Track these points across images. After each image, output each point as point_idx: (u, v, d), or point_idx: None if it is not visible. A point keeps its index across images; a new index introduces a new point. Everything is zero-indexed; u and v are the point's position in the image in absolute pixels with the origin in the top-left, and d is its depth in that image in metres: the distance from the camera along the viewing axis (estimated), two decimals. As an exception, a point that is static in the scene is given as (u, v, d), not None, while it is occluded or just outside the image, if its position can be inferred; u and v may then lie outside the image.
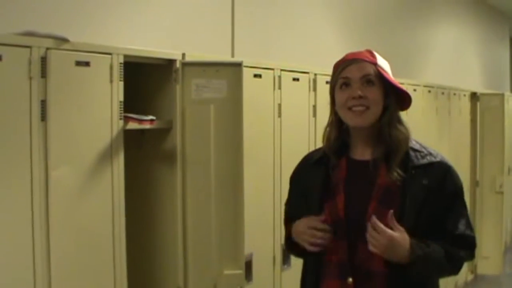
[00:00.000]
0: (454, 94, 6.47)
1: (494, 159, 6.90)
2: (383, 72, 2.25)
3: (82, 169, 2.56)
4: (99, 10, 3.19)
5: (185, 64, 2.97)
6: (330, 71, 2.29)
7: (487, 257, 6.95)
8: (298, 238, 2.32)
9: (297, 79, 3.77)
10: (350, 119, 2.25)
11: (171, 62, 2.99)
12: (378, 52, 2.34)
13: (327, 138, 2.33)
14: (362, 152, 2.29)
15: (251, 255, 3.35)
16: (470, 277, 7.09)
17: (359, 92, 2.20)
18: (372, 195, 2.21)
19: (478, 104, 7.02)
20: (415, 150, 2.27)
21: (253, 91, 3.27)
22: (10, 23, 2.61)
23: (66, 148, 2.48)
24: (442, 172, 2.25)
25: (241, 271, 2.99)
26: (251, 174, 3.09)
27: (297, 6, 4.78)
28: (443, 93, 6.16)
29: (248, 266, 3.30)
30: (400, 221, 2.15)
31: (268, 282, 3.54)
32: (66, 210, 2.47)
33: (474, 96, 7.02)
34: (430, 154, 2.28)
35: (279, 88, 3.63)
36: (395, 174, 2.20)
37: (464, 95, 6.77)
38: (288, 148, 3.63)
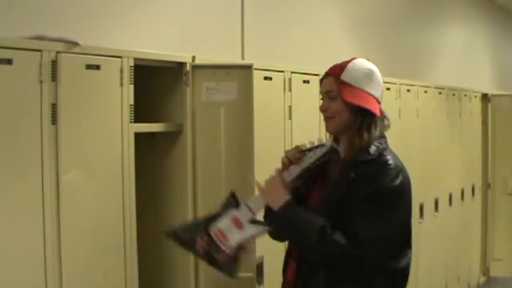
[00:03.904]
0: (465, 95, 6.43)
1: (506, 161, 6.86)
2: (341, 88, 2.39)
3: (92, 172, 2.56)
4: (109, 14, 3.20)
5: (195, 67, 2.97)
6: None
7: (500, 259, 6.92)
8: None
9: (308, 82, 3.76)
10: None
11: (181, 65, 2.99)
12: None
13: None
14: (345, 153, 2.43)
15: (262, 258, 3.34)
16: (483, 279, 7.06)
17: (321, 107, 2.45)
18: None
19: (489, 105, 6.98)
20: (367, 152, 2.36)
21: (263, 94, 3.26)
22: (20, 27, 2.62)
23: (77, 152, 2.48)
24: (375, 169, 2.33)
25: (252, 274, 2.98)
26: (262, 176, 3.07)
27: (307, 9, 4.77)
28: (453, 94, 6.13)
29: (259, 269, 3.29)
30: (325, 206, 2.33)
31: (280, 285, 3.52)
32: (77, 213, 2.47)
33: (485, 97, 6.98)
34: (376, 153, 2.36)
35: (290, 90, 3.63)
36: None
37: (475, 96, 6.74)
38: (299, 151, 3.62)
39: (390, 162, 2.34)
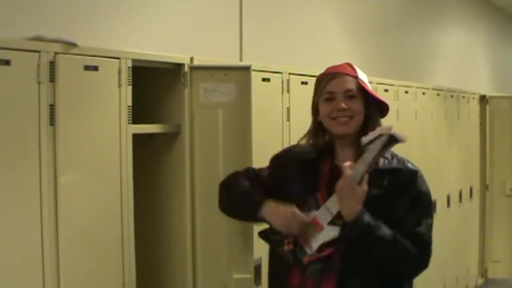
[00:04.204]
0: (463, 97, 6.44)
1: (504, 162, 6.87)
2: (363, 85, 2.39)
3: (90, 173, 2.56)
4: (107, 15, 3.19)
5: (193, 68, 2.97)
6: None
7: (498, 260, 6.92)
8: (273, 217, 2.36)
9: (306, 83, 3.76)
10: (334, 128, 2.39)
11: (179, 66, 2.99)
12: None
13: (310, 144, 2.48)
14: (343, 158, 2.37)
15: (260, 259, 3.34)
16: (481, 280, 7.06)
17: (343, 105, 2.35)
18: None
19: (487, 106, 6.99)
20: (385, 158, 2.37)
21: (261, 95, 3.26)
22: (18, 28, 2.62)
23: (75, 153, 2.48)
24: (407, 177, 2.36)
25: (250, 275, 2.98)
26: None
27: (305, 10, 4.77)
28: (452, 96, 6.14)
29: (257, 270, 3.29)
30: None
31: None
32: (75, 215, 2.47)
33: (483, 99, 7.00)
34: (399, 161, 2.39)
35: (288, 91, 3.63)
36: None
37: (473, 97, 6.75)
38: (297, 152, 3.61)
39: (416, 169, 2.38)
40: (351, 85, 2.37)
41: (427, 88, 5.61)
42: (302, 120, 3.71)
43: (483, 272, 7.08)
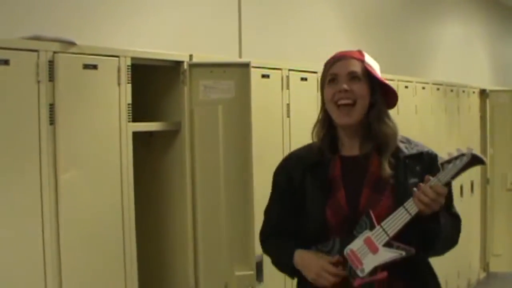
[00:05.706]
0: (463, 91, 6.43)
1: (505, 156, 6.86)
2: (370, 68, 2.30)
3: (91, 172, 2.56)
4: (106, 13, 3.20)
5: (192, 66, 2.97)
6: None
7: (499, 254, 6.92)
8: (305, 271, 2.29)
9: (305, 79, 3.76)
10: (337, 117, 2.29)
11: (178, 63, 2.99)
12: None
13: (316, 135, 2.37)
14: (350, 148, 2.33)
15: (261, 255, 3.33)
16: (483, 275, 7.06)
17: (345, 86, 2.25)
18: (364, 184, 2.27)
19: (488, 100, 6.99)
20: (404, 142, 2.37)
21: (261, 92, 3.26)
22: (17, 28, 2.62)
23: (75, 152, 2.48)
24: (431, 160, 2.33)
25: (252, 272, 2.98)
26: (260, 174, 3.08)
27: (304, 6, 4.77)
28: (452, 90, 6.13)
29: (259, 266, 3.29)
30: (398, 205, 2.20)
31: (279, 282, 3.53)
32: (76, 213, 2.48)
33: (483, 93, 6.99)
34: (417, 145, 2.39)
35: (288, 88, 3.63)
36: (387, 166, 2.26)
37: (473, 92, 6.74)
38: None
39: (435, 153, 2.36)
40: (356, 67, 2.27)
41: (427, 83, 5.61)
42: (302, 116, 3.72)
43: (485, 266, 7.08)
